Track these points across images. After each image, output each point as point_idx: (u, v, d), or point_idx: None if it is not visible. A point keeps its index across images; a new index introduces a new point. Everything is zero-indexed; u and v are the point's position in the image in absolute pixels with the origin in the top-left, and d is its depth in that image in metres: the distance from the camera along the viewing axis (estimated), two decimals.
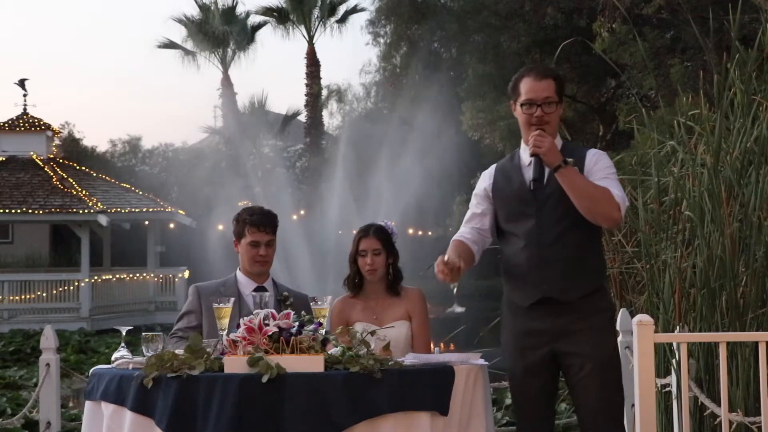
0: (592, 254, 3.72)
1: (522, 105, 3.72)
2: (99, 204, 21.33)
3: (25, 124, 23.51)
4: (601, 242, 3.88)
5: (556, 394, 3.89)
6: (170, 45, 34.25)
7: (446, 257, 3.59)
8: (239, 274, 4.40)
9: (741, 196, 4.93)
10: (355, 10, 33.02)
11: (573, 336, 3.65)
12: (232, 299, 3.70)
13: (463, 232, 3.89)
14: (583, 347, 3.64)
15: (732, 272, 4.71)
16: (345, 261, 4.52)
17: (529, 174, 3.70)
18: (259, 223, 4.32)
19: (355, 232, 4.48)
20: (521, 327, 3.76)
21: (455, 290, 3.71)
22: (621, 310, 5.33)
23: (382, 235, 4.39)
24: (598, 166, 3.67)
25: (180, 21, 34.35)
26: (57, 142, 26.46)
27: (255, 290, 4.31)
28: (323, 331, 3.51)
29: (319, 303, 3.83)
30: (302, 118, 33.88)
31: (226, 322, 3.59)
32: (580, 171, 3.64)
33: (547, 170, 3.66)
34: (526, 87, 3.71)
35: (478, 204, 3.90)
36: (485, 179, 3.89)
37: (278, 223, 4.43)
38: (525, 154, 3.76)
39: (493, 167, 3.92)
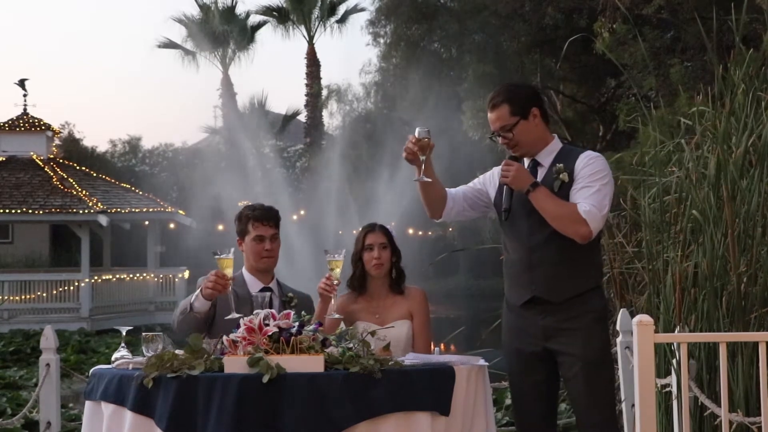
0: (583, 257, 3.75)
1: None
2: (99, 204, 21.33)
3: (25, 124, 23.51)
4: (598, 244, 3.89)
5: (555, 394, 3.92)
6: (170, 45, 34.29)
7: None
8: (245, 273, 4.39)
9: (745, 195, 4.93)
10: (355, 10, 33.09)
11: (561, 335, 3.72)
12: (233, 249, 3.91)
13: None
14: (572, 347, 3.70)
15: (736, 272, 4.71)
16: (345, 261, 4.51)
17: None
18: (262, 217, 4.35)
19: (355, 232, 4.49)
20: (516, 325, 3.85)
21: (423, 160, 3.78)
22: (621, 310, 5.34)
23: (386, 230, 4.44)
24: (583, 172, 3.72)
25: (180, 21, 34.42)
26: (57, 142, 26.46)
27: (259, 291, 4.29)
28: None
29: (334, 256, 3.98)
30: (302, 118, 33.93)
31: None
32: (570, 178, 3.71)
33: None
34: (488, 118, 3.84)
35: (479, 182, 4.03)
36: (494, 174, 3.96)
37: (280, 217, 4.46)
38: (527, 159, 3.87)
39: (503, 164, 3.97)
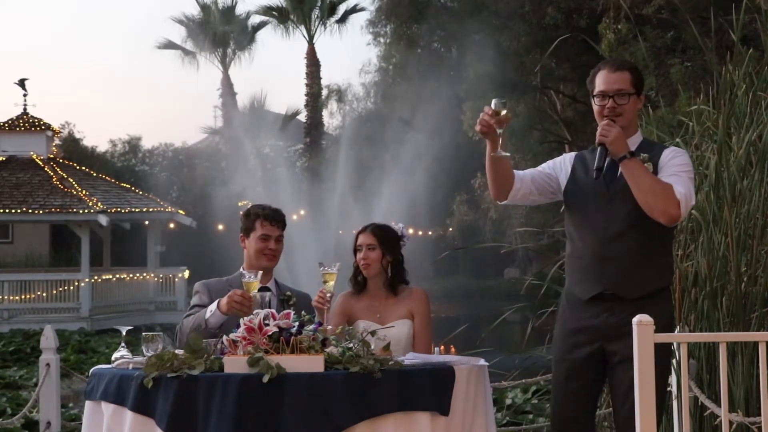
0: (657, 254, 3.66)
1: (595, 97, 3.73)
2: (99, 204, 21.33)
3: (25, 124, 23.50)
4: (670, 242, 3.81)
5: (598, 395, 3.83)
6: (170, 45, 34.33)
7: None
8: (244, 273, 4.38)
9: (745, 195, 4.93)
10: (354, 9, 33.12)
11: (624, 338, 3.55)
12: (260, 272, 3.93)
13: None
14: (628, 350, 3.57)
15: (736, 272, 4.70)
16: (345, 261, 4.52)
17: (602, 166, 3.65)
18: (271, 216, 4.39)
19: (355, 231, 4.52)
20: (575, 322, 3.73)
21: (500, 133, 3.57)
22: None
23: (379, 231, 4.42)
24: (672, 162, 3.63)
25: (180, 21, 34.46)
26: (57, 142, 26.47)
27: (258, 290, 4.29)
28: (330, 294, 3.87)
29: (327, 269, 4.00)
30: (302, 118, 33.94)
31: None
32: (654, 167, 3.62)
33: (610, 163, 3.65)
34: (601, 79, 3.72)
35: (548, 167, 3.88)
36: (565, 161, 3.85)
37: (286, 222, 4.49)
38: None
39: (573, 153, 3.90)
